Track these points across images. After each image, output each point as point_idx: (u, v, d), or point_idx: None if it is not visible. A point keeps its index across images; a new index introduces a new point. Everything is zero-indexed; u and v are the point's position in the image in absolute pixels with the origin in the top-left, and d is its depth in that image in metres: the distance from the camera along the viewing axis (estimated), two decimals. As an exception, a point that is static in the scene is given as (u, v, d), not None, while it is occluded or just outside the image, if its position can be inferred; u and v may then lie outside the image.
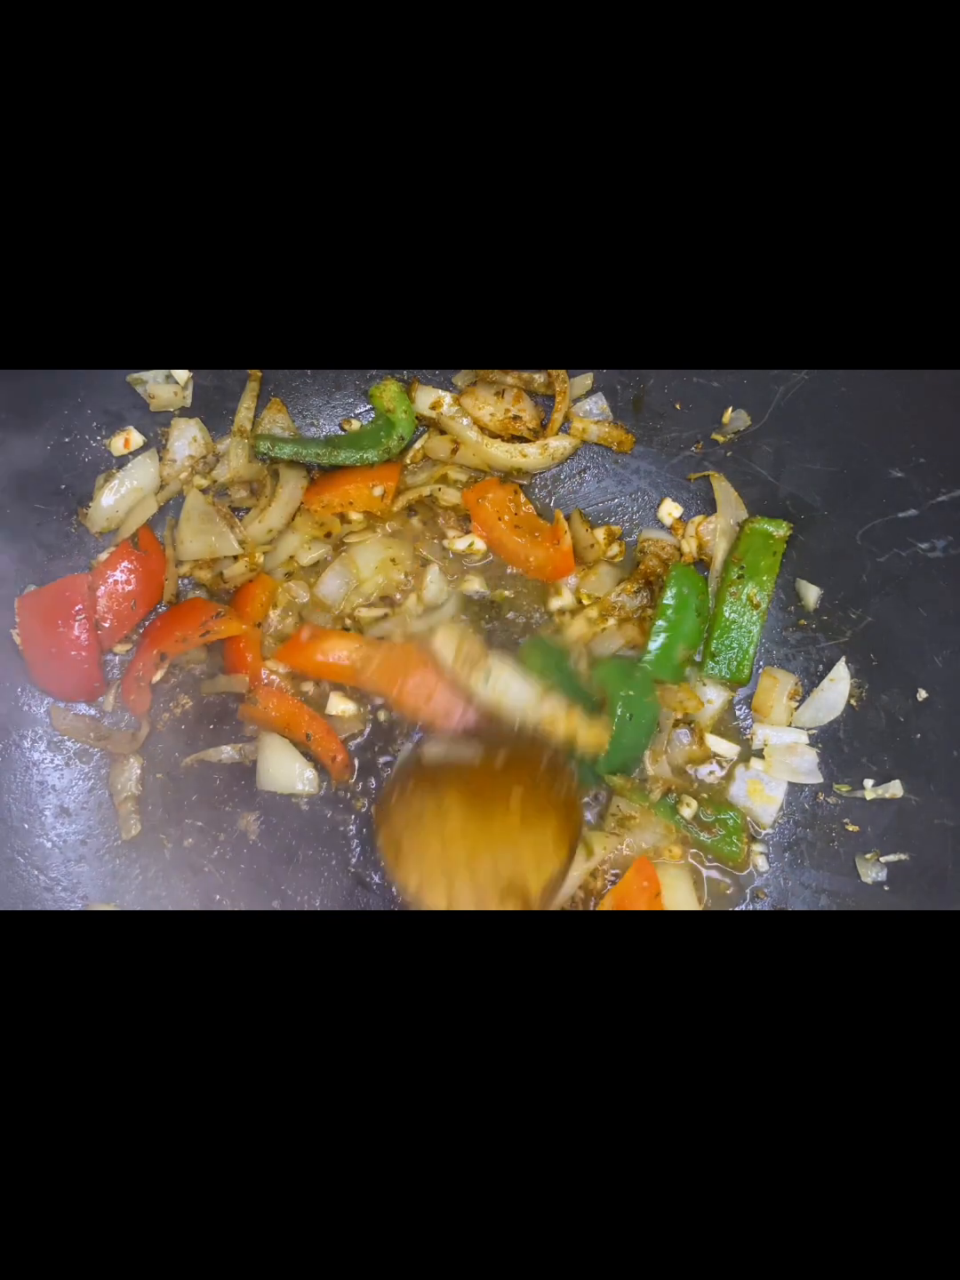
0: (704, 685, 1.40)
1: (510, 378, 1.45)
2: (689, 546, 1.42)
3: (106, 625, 1.40)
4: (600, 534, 1.45)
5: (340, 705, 1.39)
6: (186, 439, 1.44)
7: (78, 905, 1.40)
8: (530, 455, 1.43)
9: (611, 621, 1.42)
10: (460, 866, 1.03)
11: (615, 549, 1.46)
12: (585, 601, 1.44)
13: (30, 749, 1.42)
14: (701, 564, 1.44)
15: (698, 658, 1.42)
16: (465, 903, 1.02)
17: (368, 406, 1.49)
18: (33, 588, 1.41)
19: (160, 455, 1.44)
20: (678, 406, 1.44)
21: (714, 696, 1.40)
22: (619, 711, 1.34)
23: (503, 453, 1.44)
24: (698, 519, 1.44)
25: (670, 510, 1.46)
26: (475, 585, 1.44)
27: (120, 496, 1.43)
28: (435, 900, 1.04)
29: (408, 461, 1.48)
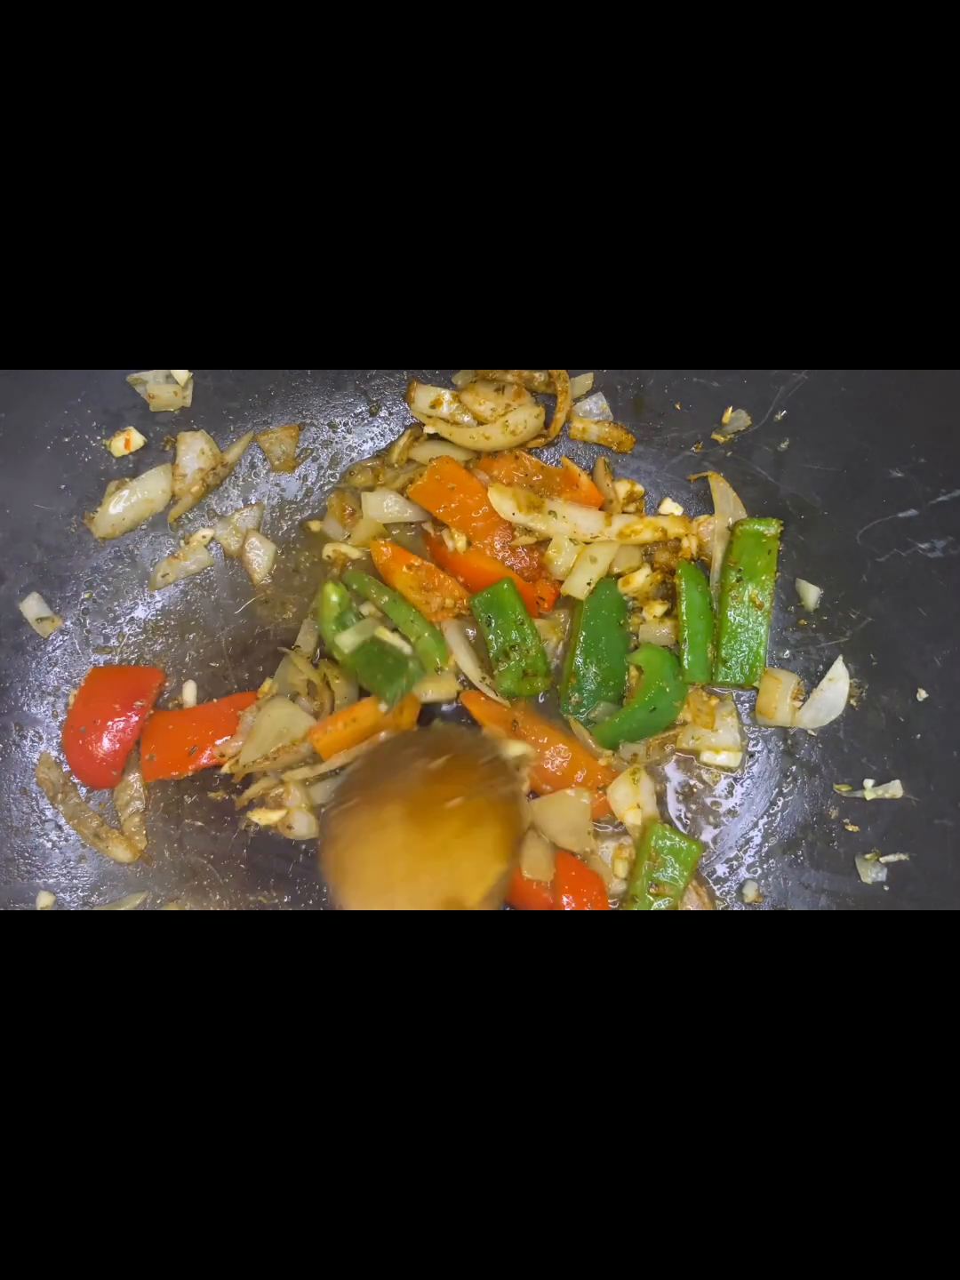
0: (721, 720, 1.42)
1: (510, 376, 1.45)
2: (689, 543, 1.42)
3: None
4: (622, 488, 1.45)
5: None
6: (194, 451, 1.45)
7: (77, 905, 1.40)
8: (492, 435, 1.43)
9: (658, 610, 1.43)
10: (399, 883, 1.03)
11: (632, 508, 1.46)
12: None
13: (30, 749, 1.43)
14: (701, 562, 1.44)
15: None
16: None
17: (365, 406, 1.49)
18: (104, 663, 1.45)
19: (172, 468, 1.45)
20: (678, 406, 1.44)
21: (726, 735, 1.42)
22: (647, 698, 1.36)
23: (466, 437, 1.43)
24: (701, 519, 1.44)
25: (670, 510, 1.46)
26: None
27: (129, 506, 1.43)
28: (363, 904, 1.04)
29: (393, 459, 1.48)
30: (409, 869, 1.03)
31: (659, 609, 1.42)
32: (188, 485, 1.44)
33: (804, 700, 1.39)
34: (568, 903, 1.28)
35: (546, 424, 1.46)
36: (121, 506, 1.43)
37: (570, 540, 1.40)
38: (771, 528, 1.38)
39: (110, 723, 1.38)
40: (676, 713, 1.39)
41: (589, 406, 1.47)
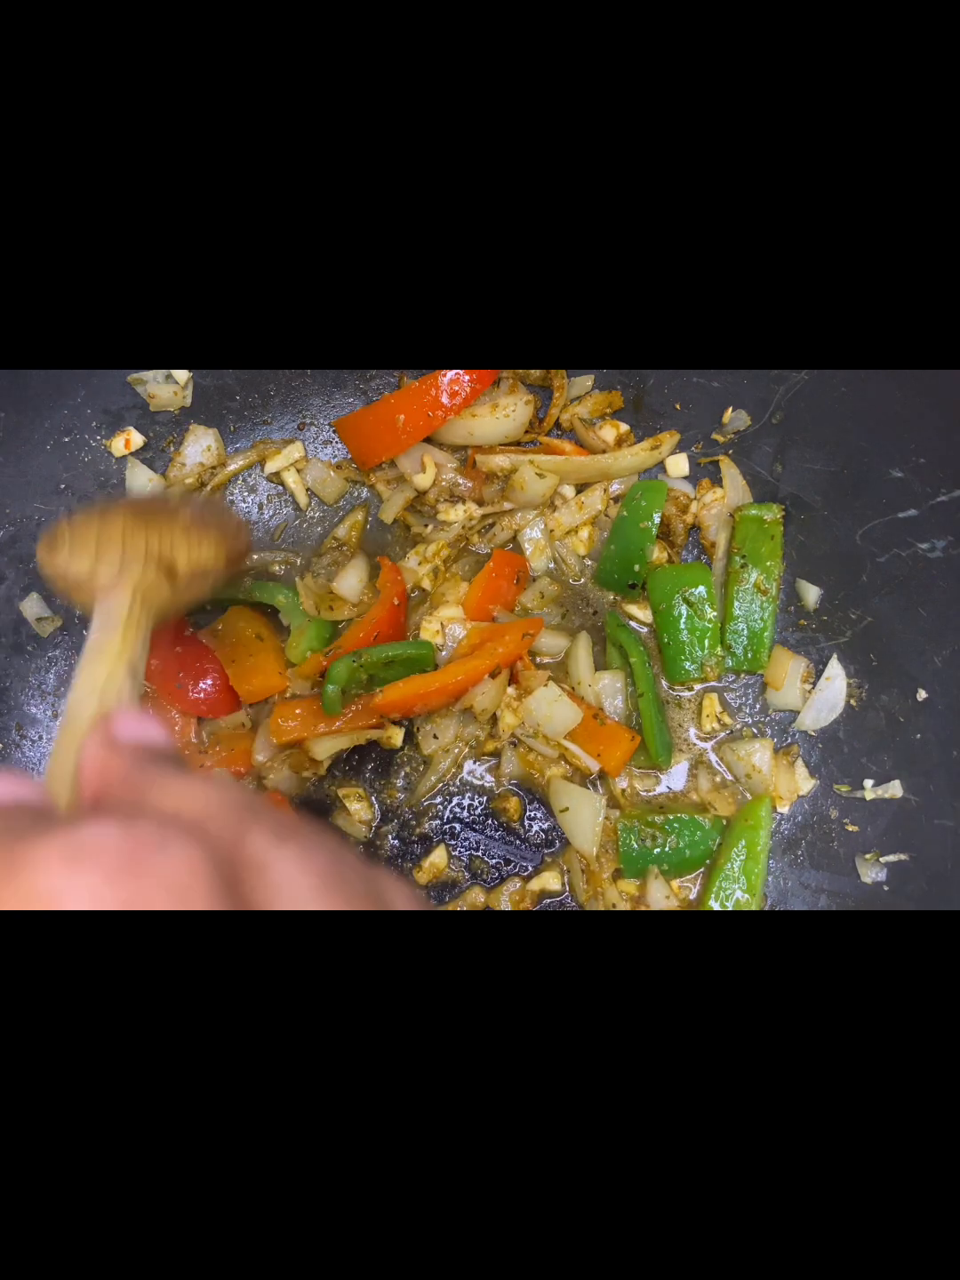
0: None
1: (506, 373, 1.45)
2: (694, 510, 1.43)
3: None
4: (608, 433, 1.47)
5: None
6: (200, 446, 1.46)
7: (77, 905, 1.40)
8: (477, 430, 1.43)
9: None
10: (112, 542, 1.08)
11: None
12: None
13: (30, 749, 1.43)
14: (705, 556, 1.45)
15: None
16: (110, 560, 1.07)
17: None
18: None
19: (171, 455, 1.46)
20: (678, 406, 1.44)
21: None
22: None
23: (454, 431, 1.44)
24: (716, 493, 1.43)
25: (678, 466, 1.46)
26: None
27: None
28: (81, 564, 1.07)
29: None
30: (125, 536, 1.10)
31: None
32: (182, 475, 1.45)
33: (811, 685, 1.39)
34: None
35: (540, 418, 1.46)
36: None
37: (538, 474, 1.41)
38: (771, 513, 1.38)
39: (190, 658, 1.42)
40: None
41: (586, 409, 1.47)
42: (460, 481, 1.44)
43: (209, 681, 1.41)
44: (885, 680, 1.34)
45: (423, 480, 1.43)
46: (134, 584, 1.05)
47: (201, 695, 1.40)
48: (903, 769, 1.33)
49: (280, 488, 1.50)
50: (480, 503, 1.44)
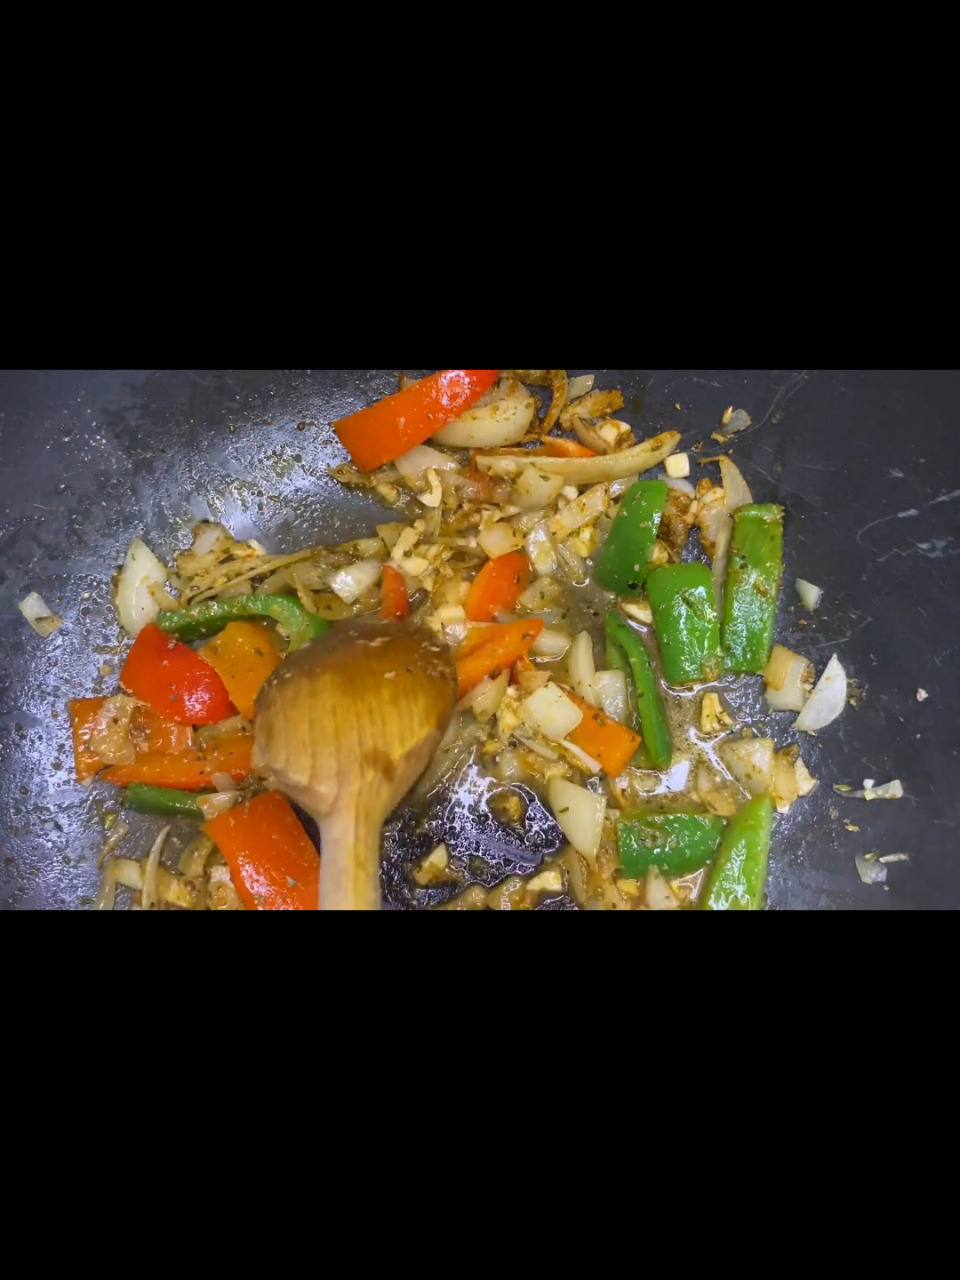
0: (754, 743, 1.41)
1: (505, 373, 1.45)
2: (695, 509, 1.43)
3: None
4: (609, 433, 1.47)
5: None
6: (211, 540, 1.48)
7: (76, 905, 1.40)
8: (477, 433, 1.43)
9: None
10: (326, 739, 1.07)
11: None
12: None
13: (30, 749, 1.43)
14: (705, 556, 1.45)
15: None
16: (327, 771, 1.06)
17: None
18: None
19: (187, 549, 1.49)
20: (678, 406, 1.44)
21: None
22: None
23: (455, 432, 1.43)
24: (715, 493, 1.43)
25: (678, 466, 1.46)
26: None
27: (137, 589, 1.45)
28: (299, 774, 1.06)
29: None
30: (337, 726, 1.08)
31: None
32: (198, 565, 1.47)
33: (811, 685, 1.39)
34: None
35: (540, 418, 1.46)
36: (134, 594, 1.46)
37: (542, 476, 1.41)
38: (771, 513, 1.38)
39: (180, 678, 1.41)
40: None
41: (586, 409, 1.47)
42: (468, 486, 1.44)
43: (205, 695, 1.40)
44: (885, 680, 1.34)
45: (431, 500, 1.43)
46: (355, 802, 1.03)
47: (199, 707, 1.40)
48: (903, 769, 1.33)
49: (278, 491, 1.50)
50: (493, 505, 1.44)
